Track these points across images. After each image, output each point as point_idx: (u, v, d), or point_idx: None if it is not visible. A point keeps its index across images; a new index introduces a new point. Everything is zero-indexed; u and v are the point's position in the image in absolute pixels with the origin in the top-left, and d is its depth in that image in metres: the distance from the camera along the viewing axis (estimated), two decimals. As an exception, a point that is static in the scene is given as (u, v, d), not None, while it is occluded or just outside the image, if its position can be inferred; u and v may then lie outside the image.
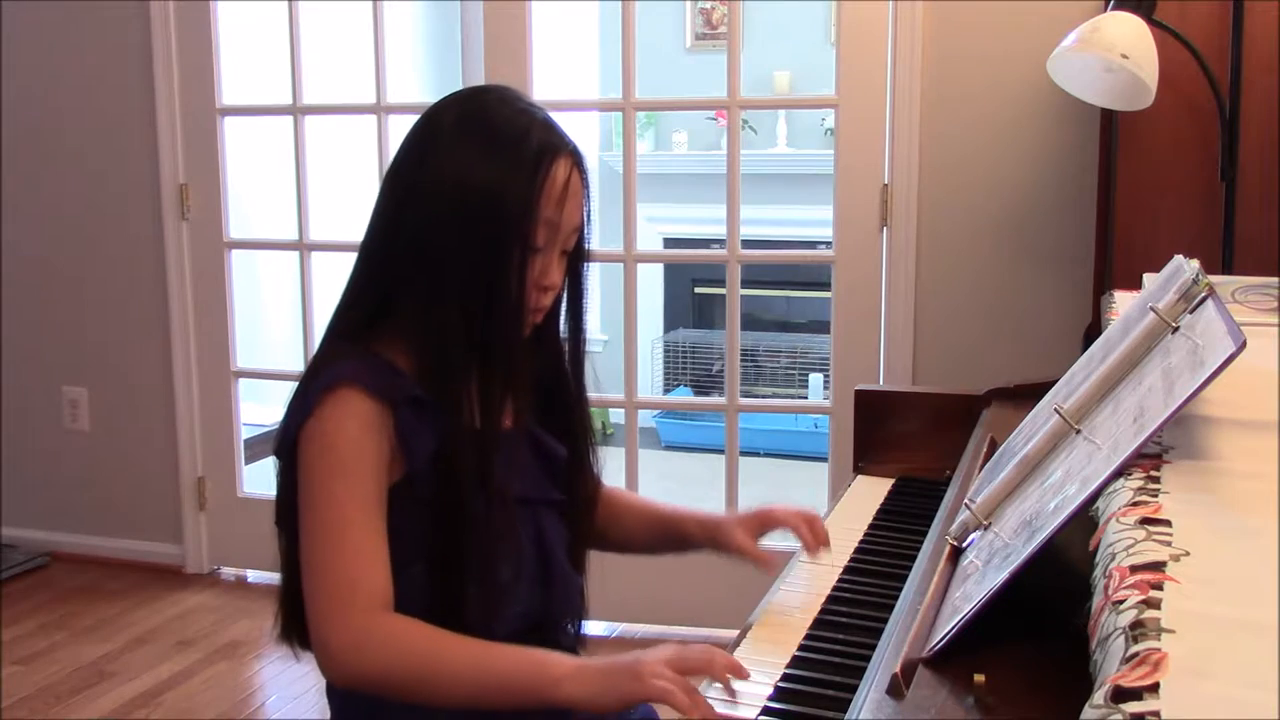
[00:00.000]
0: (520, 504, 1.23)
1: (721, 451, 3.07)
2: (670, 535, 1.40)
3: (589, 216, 1.24)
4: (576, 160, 1.21)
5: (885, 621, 1.07)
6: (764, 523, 1.33)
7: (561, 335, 1.31)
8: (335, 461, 1.13)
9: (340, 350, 1.20)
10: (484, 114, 1.21)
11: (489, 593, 1.18)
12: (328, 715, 1.29)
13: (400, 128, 1.32)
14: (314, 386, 1.16)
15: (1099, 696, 0.58)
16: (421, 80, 5.09)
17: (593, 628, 2.63)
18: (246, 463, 3.48)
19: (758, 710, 1.01)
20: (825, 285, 3.07)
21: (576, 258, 1.26)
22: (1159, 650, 0.59)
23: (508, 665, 1.09)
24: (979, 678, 0.80)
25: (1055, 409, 1.04)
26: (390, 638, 1.10)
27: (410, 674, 1.09)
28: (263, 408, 3.71)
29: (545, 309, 1.24)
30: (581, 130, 5.72)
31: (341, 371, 1.16)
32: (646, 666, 1.03)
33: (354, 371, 1.15)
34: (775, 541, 1.39)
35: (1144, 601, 0.65)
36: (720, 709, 1.02)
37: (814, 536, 1.32)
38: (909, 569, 1.17)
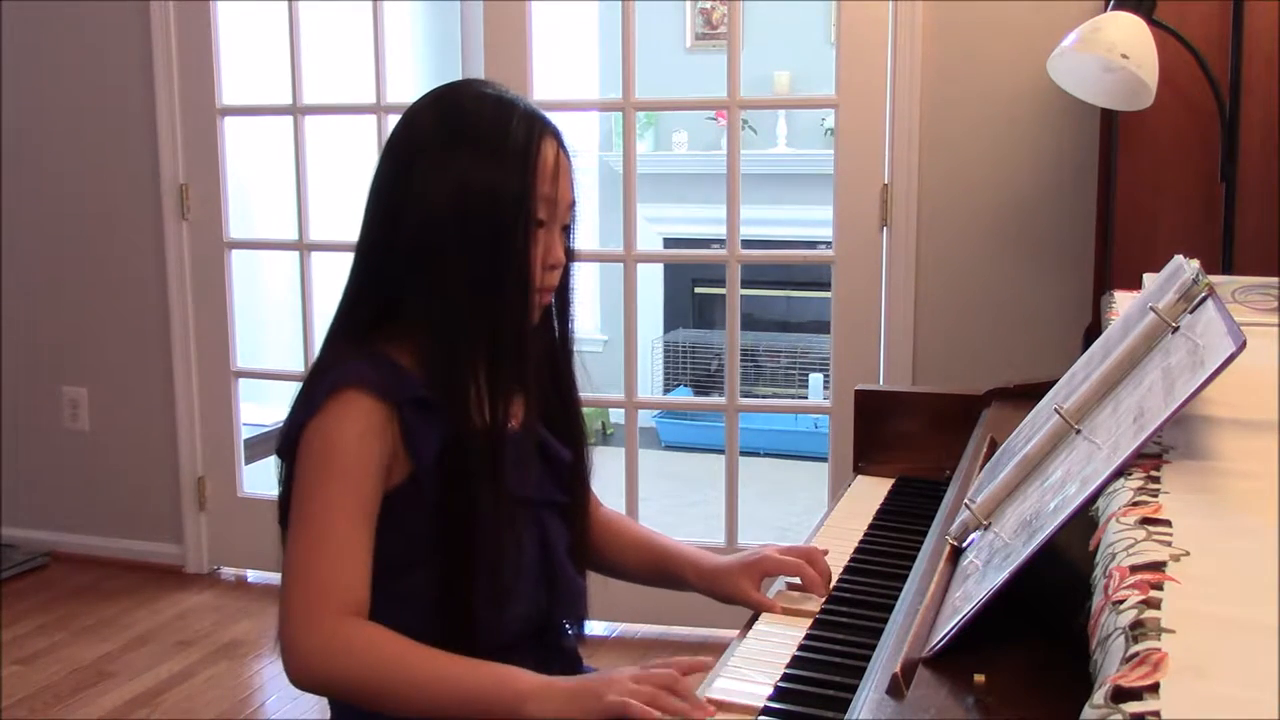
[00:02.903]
0: (525, 505, 1.24)
1: (721, 451, 3.07)
2: (665, 573, 1.39)
3: (576, 194, 1.26)
4: (558, 138, 1.23)
5: (885, 621, 1.07)
6: (765, 570, 1.30)
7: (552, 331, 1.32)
8: (332, 464, 1.13)
9: (344, 351, 1.20)
10: (464, 112, 1.22)
11: (496, 592, 1.18)
12: (328, 715, 1.29)
13: (400, 128, 1.32)
14: (319, 388, 1.15)
15: (1099, 696, 0.58)
16: (421, 80, 5.09)
17: (593, 628, 2.63)
18: (246, 463, 3.48)
19: (758, 710, 1.01)
20: (825, 285, 3.07)
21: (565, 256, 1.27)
22: (1159, 650, 0.59)
23: (471, 680, 1.08)
24: (979, 678, 0.80)
25: (1055, 409, 1.04)
26: (354, 645, 1.09)
27: (369, 683, 1.08)
28: (263, 408, 3.71)
29: (553, 289, 1.25)
30: (581, 130, 5.73)
31: (347, 373, 1.16)
32: (610, 685, 1.02)
33: (359, 373, 1.15)
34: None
35: (1144, 601, 0.65)
36: (720, 711, 1.02)
37: (818, 573, 1.28)
38: (909, 569, 1.16)
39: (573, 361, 1.33)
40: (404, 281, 1.20)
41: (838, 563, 1.34)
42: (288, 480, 1.19)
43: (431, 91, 1.27)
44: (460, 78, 1.61)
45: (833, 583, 1.29)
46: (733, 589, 1.31)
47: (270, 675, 2.85)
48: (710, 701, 1.03)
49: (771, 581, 1.31)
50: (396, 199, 1.21)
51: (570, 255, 1.28)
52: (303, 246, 3.31)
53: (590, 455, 1.35)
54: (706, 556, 1.37)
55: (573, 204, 1.25)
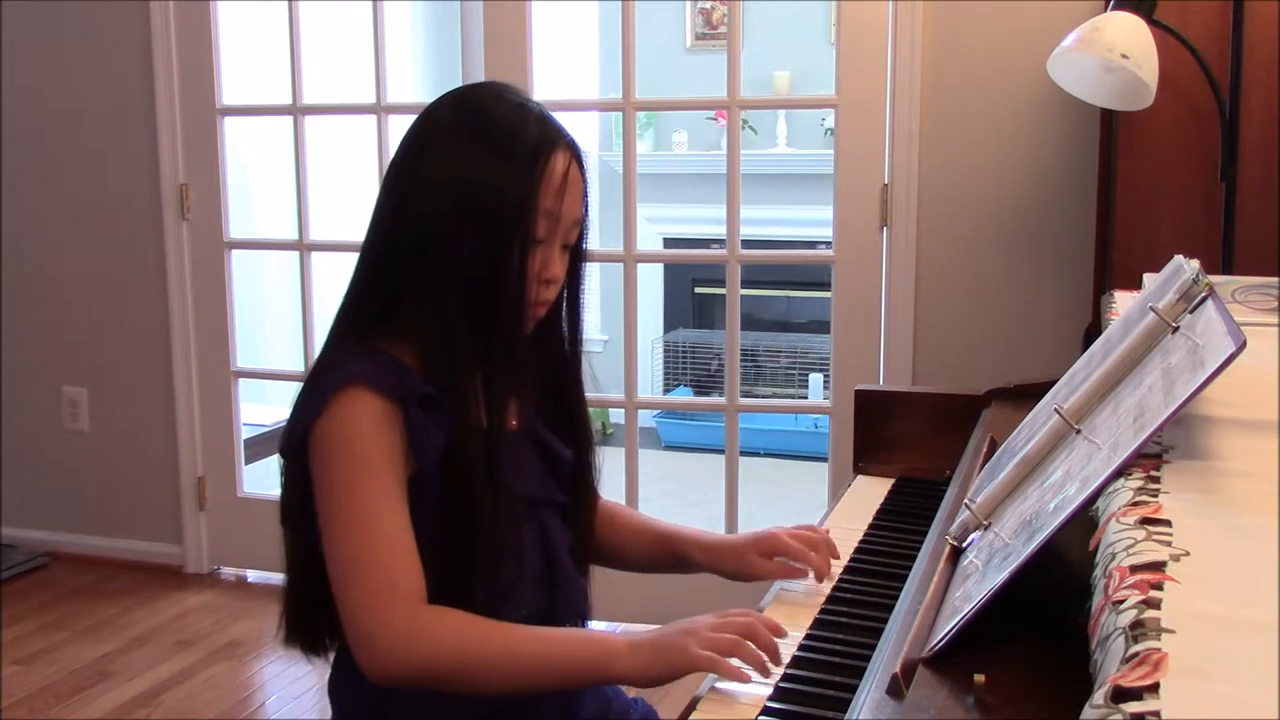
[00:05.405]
0: (525, 504, 1.23)
1: (721, 451, 3.07)
2: (669, 556, 1.39)
3: (588, 210, 1.25)
4: (574, 153, 1.22)
5: (885, 621, 1.07)
6: (773, 548, 1.31)
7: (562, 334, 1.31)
8: (354, 458, 1.13)
9: (347, 349, 1.20)
10: (480, 110, 1.21)
11: (496, 591, 1.18)
12: (328, 715, 1.29)
13: (400, 128, 1.32)
14: (323, 385, 1.15)
15: (1099, 696, 0.58)
16: (421, 80, 5.09)
17: (595, 627, 2.63)
18: (246, 463, 3.48)
19: (758, 710, 1.01)
20: (825, 285, 3.07)
21: (575, 258, 1.26)
22: (1159, 650, 0.59)
23: (559, 646, 1.10)
24: (979, 678, 0.80)
25: (1055, 409, 1.04)
26: (434, 630, 1.09)
27: (458, 664, 1.09)
28: (263, 408, 3.71)
29: (548, 303, 1.23)
30: (581, 130, 5.72)
31: (350, 370, 1.15)
32: (693, 637, 1.06)
33: (362, 370, 1.15)
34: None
35: (1144, 601, 0.65)
36: (721, 710, 1.02)
37: (822, 557, 1.30)
38: (909, 569, 1.16)
39: (581, 366, 1.33)
40: (403, 276, 1.20)
41: (838, 563, 1.34)
42: (294, 480, 1.19)
43: (455, 89, 1.27)
44: (462, 78, 1.61)
45: (833, 580, 1.29)
46: (741, 563, 1.32)
47: (270, 675, 2.85)
48: None
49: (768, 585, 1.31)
50: (402, 189, 1.21)
51: (583, 256, 1.27)
52: (303, 246, 3.31)
53: (596, 457, 1.35)
54: (709, 534, 1.37)
55: (581, 220, 1.24)
